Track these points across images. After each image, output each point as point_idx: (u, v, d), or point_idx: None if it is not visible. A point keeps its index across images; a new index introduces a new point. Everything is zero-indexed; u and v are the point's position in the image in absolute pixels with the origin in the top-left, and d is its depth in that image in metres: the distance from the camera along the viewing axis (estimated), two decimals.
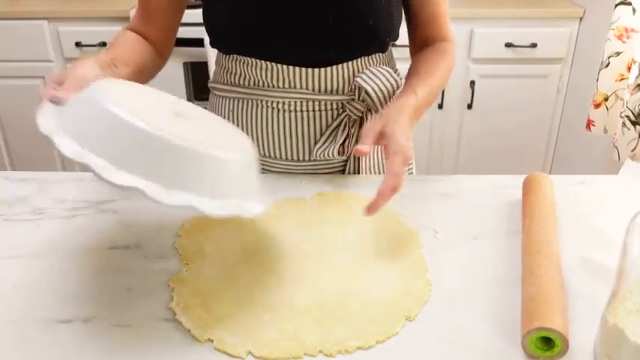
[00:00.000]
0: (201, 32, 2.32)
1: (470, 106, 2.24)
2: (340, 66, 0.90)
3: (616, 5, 1.67)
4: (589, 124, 1.81)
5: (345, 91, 0.91)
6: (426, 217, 0.82)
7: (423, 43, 0.97)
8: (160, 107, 0.67)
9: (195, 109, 0.73)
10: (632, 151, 1.65)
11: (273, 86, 0.91)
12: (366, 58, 0.92)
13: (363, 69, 0.91)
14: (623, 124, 1.66)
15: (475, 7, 2.13)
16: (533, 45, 2.11)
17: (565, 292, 0.64)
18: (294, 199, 0.86)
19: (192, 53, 2.09)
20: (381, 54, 0.95)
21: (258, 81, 0.91)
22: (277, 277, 0.70)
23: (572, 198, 0.87)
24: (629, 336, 0.53)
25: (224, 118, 0.96)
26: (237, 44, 0.90)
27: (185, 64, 2.13)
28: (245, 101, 0.93)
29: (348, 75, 0.91)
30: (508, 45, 2.12)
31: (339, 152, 0.92)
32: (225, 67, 0.95)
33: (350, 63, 0.90)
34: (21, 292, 0.68)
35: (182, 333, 0.62)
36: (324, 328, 0.62)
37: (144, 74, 0.88)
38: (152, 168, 0.57)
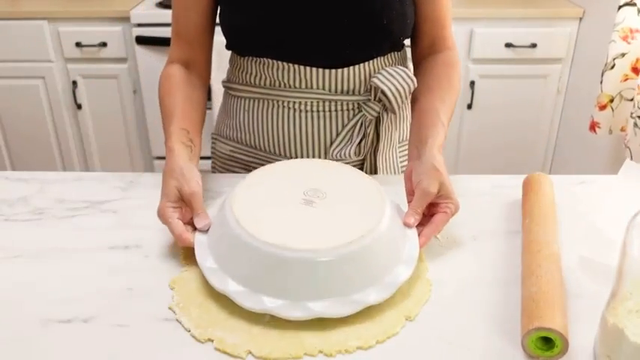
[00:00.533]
0: None
1: (470, 106, 2.24)
2: (356, 66, 0.90)
3: (620, 6, 1.66)
4: (593, 125, 1.81)
5: (362, 92, 0.92)
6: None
7: (427, 48, 0.96)
8: (289, 197, 0.72)
9: (326, 181, 0.75)
10: None
11: (290, 86, 0.91)
12: (382, 58, 0.92)
13: (379, 69, 0.92)
14: (635, 124, 1.66)
15: (475, 7, 2.13)
16: (533, 45, 2.11)
17: (565, 292, 0.64)
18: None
19: None
20: (396, 53, 0.95)
21: (275, 81, 0.91)
22: None
23: (572, 198, 0.87)
24: (629, 336, 0.53)
25: (241, 117, 0.96)
26: (254, 46, 0.91)
27: None
28: (261, 101, 0.93)
29: (365, 75, 0.91)
30: (508, 45, 2.12)
31: (355, 153, 0.93)
32: (240, 67, 0.95)
33: (366, 63, 0.91)
34: (21, 292, 0.68)
35: (182, 333, 0.62)
36: (324, 328, 0.62)
37: (204, 122, 0.91)
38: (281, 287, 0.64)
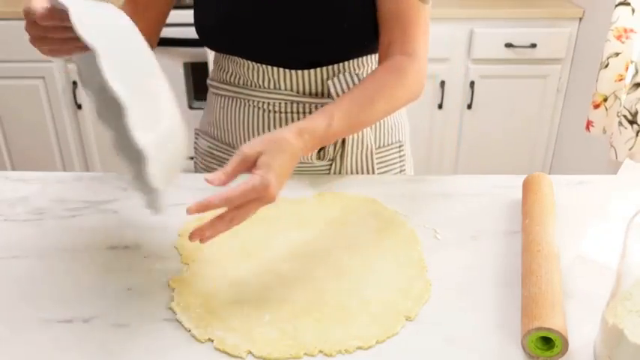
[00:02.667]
0: None
1: (470, 107, 2.24)
2: (323, 69, 0.90)
3: (616, 6, 1.67)
4: (588, 124, 1.82)
5: (328, 95, 0.91)
6: (425, 217, 0.82)
7: (386, 48, 0.87)
8: None
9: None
10: (630, 149, 1.66)
11: (260, 86, 0.92)
12: (351, 61, 0.91)
13: (343, 72, 0.91)
14: (620, 123, 1.66)
15: (475, 7, 2.13)
16: (533, 45, 2.11)
17: (564, 292, 0.64)
18: (294, 199, 0.87)
19: (192, 53, 2.09)
20: (364, 57, 0.93)
21: (247, 80, 0.92)
22: (277, 277, 0.70)
23: (572, 198, 0.87)
24: (629, 336, 0.53)
25: (217, 115, 0.97)
26: (222, 44, 0.92)
27: (185, 64, 2.13)
28: (235, 100, 0.94)
29: (330, 77, 0.91)
30: (508, 45, 2.12)
31: (318, 156, 0.93)
32: (220, 65, 0.96)
33: (332, 66, 0.90)
34: (21, 292, 0.68)
35: (182, 333, 0.62)
36: (324, 328, 0.62)
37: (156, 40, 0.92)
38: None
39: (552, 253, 0.68)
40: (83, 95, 2.24)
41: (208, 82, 1.00)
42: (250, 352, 0.60)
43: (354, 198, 0.87)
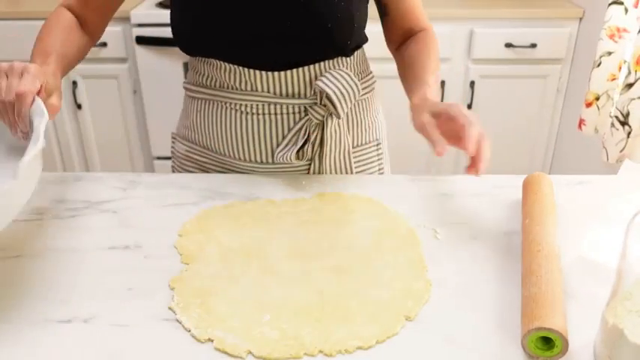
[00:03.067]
0: None
1: (470, 107, 2.24)
2: (301, 69, 0.89)
3: (609, 5, 1.66)
4: (580, 123, 1.81)
5: (308, 95, 0.91)
6: (426, 217, 0.82)
7: (402, 36, 0.99)
8: None
9: None
10: (621, 151, 1.65)
11: (236, 89, 0.91)
12: (330, 61, 0.91)
13: (324, 72, 0.90)
14: (612, 124, 1.66)
15: (475, 8, 2.13)
16: (533, 45, 2.11)
17: (565, 292, 0.64)
18: (294, 199, 0.87)
19: None
20: (345, 58, 0.93)
21: (223, 83, 0.91)
22: (277, 277, 0.70)
23: (572, 198, 0.87)
24: (629, 336, 0.53)
25: (194, 118, 0.97)
26: (199, 47, 0.91)
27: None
28: (211, 102, 0.94)
29: (310, 78, 0.90)
30: (508, 45, 2.12)
31: (297, 157, 0.92)
32: (195, 68, 0.96)
33: (311, 67, 0.90)
34: (21, 292, 0.68)
35: (182, 333, 0.62)
36: (324, 328, 0.62)
37: (72, 65, 0.91)
38: None
39: (552, 253, 0.68)
40: (83, 95, 2.24)
41: (184, 85, 1.00)
42: (250, 352, 0.60)
43: (354, 198, 0.87)
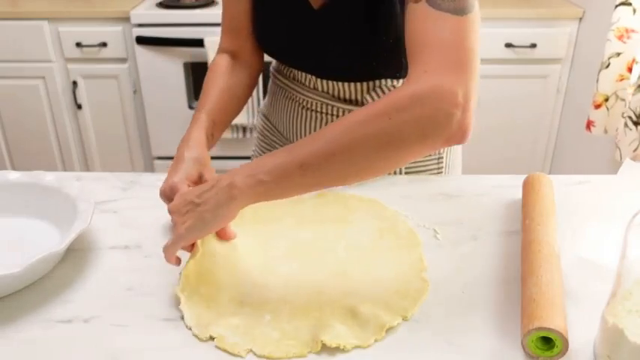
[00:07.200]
0: (202, 32, 2.30)
1: None
2: (356, 83, 0.91)
3: (616, 6, 1.67)
4: (589, 124, 1.81)
5: (363, 103, 0.92)
6: (426, 217, 0.82)
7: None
8: None
9: None
10: (634, 151, 1.66)
11: (302, 84, 0.94)
12: (385, 79, 0.91)
13: (377, 87, 0.91)
14: (625, 124, 1.66)
15: None
16: (533, 45, 2.11)
17: (565, 292, 0.64)
18: (294, 199, 0.86)
19: (192, 53, 2.09)
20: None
21: (295, 76, 0.95)
22: (277, 277, 0.70)
23: (572, 198, 0.87)
24: (629, 336, 0.53)
25: (269, 99, 1.03)
26: (268, 49, 0.95)
27: (185, 64, 2.13)
28: (282, 89, 0.98)
29: (367, 88, 0.91)
30: (508, 45, 2.12)
31: None
32: None
33: (367, 82, 0.90)
34: (21, 292, 0.68)
35: (182, 333, 0.62)
36: (323, 327, 0.62)
37: (236, 116, 0.94)
38: None
39: (552, 253, 0.68)
40: (83, 95, 2.24)
41: (271, 70, 1.03)
42: (251, 351, 0.60)
43: (354, 198, 0.87)
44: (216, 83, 0.91)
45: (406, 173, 0.97)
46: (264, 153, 1.06)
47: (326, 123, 0.94)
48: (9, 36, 2.12)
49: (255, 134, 1.13)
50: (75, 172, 0.95)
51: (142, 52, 2.10)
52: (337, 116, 0.93)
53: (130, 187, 0.90)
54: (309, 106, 0.94)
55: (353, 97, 0.92)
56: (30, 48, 2.15)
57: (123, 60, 2.17)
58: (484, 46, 2.16)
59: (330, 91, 0.92)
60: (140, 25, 2.07)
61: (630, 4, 1.65)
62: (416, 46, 0.67)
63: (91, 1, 2.21)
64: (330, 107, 0.93)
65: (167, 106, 2.21)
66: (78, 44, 2.12)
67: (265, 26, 0.91)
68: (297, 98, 0.95)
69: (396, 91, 0.64)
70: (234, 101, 0.92)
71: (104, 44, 2.12)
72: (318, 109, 0.94)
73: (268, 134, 1.05)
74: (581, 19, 2.10)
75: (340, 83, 0.91)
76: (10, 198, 0.81)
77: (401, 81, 0.92)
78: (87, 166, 2.40)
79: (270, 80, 1.03)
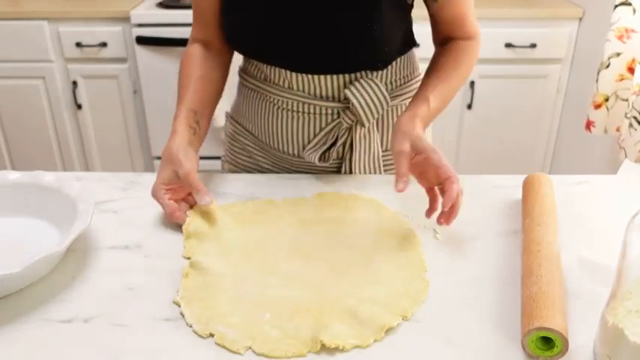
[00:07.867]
0: None
1: (470, 107, 2.24)
2: (335, 76, 0.90)
3: (616, 6, 1.67)
4: (589, 124, 1.81)
5: (340, 99, 0.92)
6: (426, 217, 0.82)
7: (445, 39, 0.95)
8: None
9: None
10: None
11: (275, 84, 0.93)
12: (364, 71, 0.91)
13: (354, 81, 0.90)
14: (630, 124, 1.66)
15: (475, 7, 2.12)
16: (533, 45, 2.11)
17: (565, 292, 0.64)
18: (294, 199, 0.87)
19: None
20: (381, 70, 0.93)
21: (267, 76, 0.94)
22: (277, 276, 0.70)
23: (572, 198, 0.87)
24: (629, 336, 0.53)
25: (240, 102, 1.01)
26: (242, 48, 0.94)
27: None
28: (255, 92, 0.97)
29: (344, 83, 0.91)
30: (508, 45, 2.12)
31: (320, 159, 0.94)
32: (247, 59, 0.99)
33: (346, 75, 0.90)
34: (21, 292, 0.68)
35: (182, 333, 0.62)
36: (322, 327, 0.62)
37: (218, 100, 0.95)
38: None
39: (552, 253, 0.68)
40: (83, 95, 2.24)
41: (238, 71, 1.02)
42: (250, 349, 0.60)
43: (354, 198, 0.87)
44: (192, 72, 0.91)
45: None
46: (236, 158, 1.04)
47: (304, 122, 0.93)
48: (9, 36, 2.12)
49: (224, 138, 1.10)
50: (75, 172, 0.95)
51: (142, 52, 2.10)
52: (315, 114, 0.92)
53: (130, 187, 0.90)
54: (284, 106, 0.93)
55: (330, 93, 0.91)
56: (30, 48, 2.15)
57: (123, 60, 2.17)
58: (484, 46, 2.16)
59: (306, 89, 0.91)
60: (140, 25, 2.07)
61: (630, 4, 1.65)
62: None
63: (91, 1, 2.21)
64: (307, 105, 0.92)
65: (167, 106, 2.20)
66: (78, 44, 2.12)
67: (236, 22, 0.89)
68: (272, 99, 0.94)
69: (471, 47, 0.94)
70: (211, 87, 0.93)
71: (104, 44, 2.12)
72: (295, 109, 0.93)
73: (241, 138, 1.03)
74: (581, 19, 2.10)
75: (317, 79, 0.90)
76: (9, 198, 0.80)
77: (379, 72, 0.92)
78: (87, 166, 2.40)
79: (240, 83, 1.01)
